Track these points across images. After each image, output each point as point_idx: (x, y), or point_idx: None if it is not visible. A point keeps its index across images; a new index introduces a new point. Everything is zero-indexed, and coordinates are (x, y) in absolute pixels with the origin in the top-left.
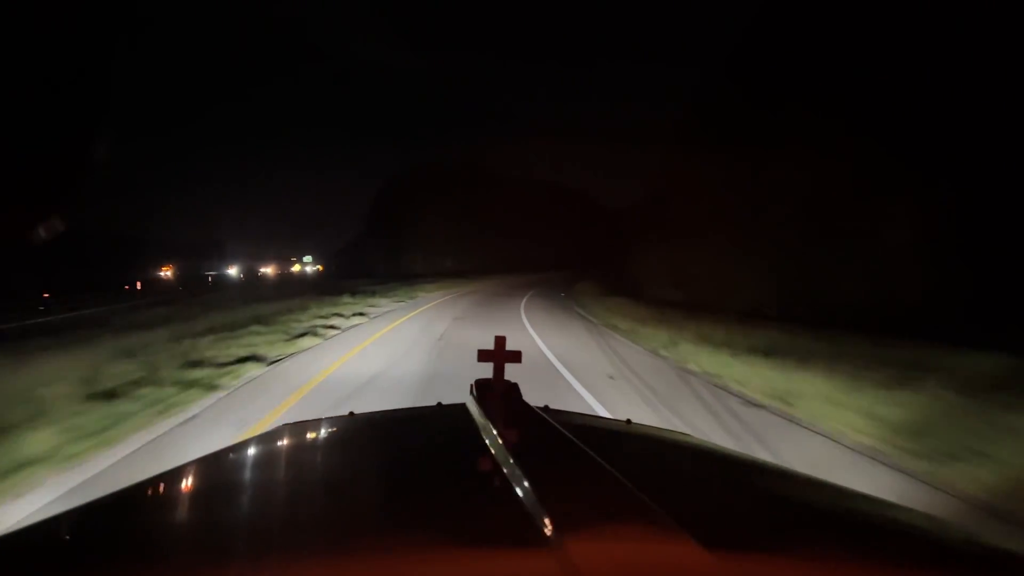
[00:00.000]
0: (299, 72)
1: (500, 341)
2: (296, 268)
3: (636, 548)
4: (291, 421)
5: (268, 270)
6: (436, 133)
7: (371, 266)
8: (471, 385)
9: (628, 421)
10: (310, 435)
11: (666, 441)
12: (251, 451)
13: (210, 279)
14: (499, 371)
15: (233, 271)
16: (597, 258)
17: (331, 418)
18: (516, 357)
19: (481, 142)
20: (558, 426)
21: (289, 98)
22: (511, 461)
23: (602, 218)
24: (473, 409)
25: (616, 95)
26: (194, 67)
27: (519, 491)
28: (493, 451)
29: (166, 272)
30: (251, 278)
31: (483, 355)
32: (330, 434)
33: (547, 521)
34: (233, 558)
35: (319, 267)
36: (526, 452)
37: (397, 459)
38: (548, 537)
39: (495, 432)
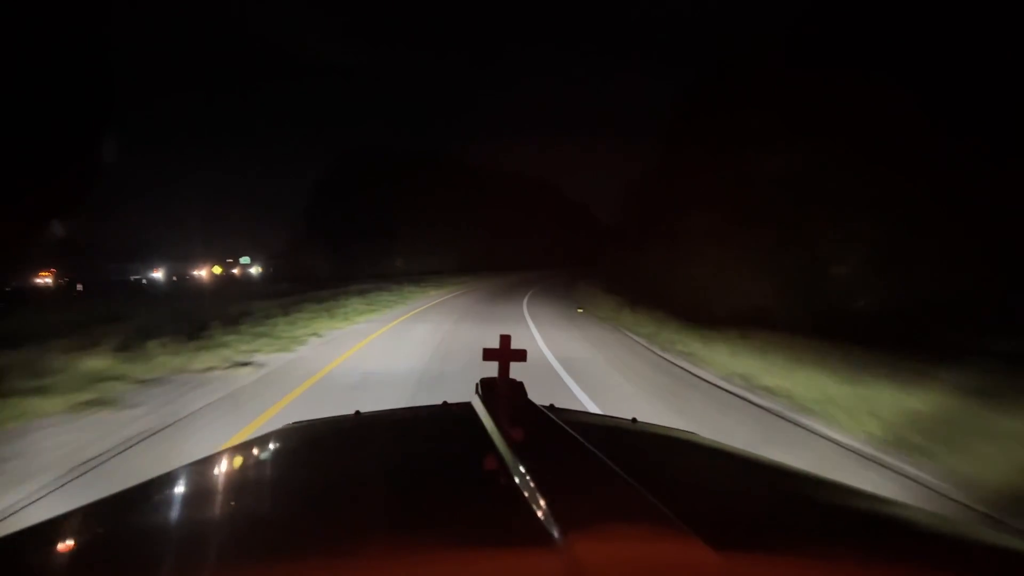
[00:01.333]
0: (243, 67)
1: (505, 340)
2: (217, 270)
3: (643, 548)
4: (296, 420)
5: (201, 272)
6: (399, 125)
7: (312, 268)
8: (476, 384)
9: (634, 420)
10: (316, 434)
11: (673, 440)
12: (256, 450)
13: (80, 288)
14: (504, 370)
15: (159, 274)
16: (581, 257)
17: (337, 417)
18: (521, 356)
19: (452, 135)
20: (564, 425)
21: (230, 92)
22: (517, 460)
23: (580, 213)
24: (479, 408)
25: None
26: (126, 57)
27: (525, 490)
28: (499, 450)
29: (45, 278)
30: (159, 284)
31: (488, 354)
32: (336, 433)
33: (553, 520)
34: (239, 559)
35: (259, 268)
36: (532, 451)
37: (403, 458)
38: (554, 536)
39: (501, 431)
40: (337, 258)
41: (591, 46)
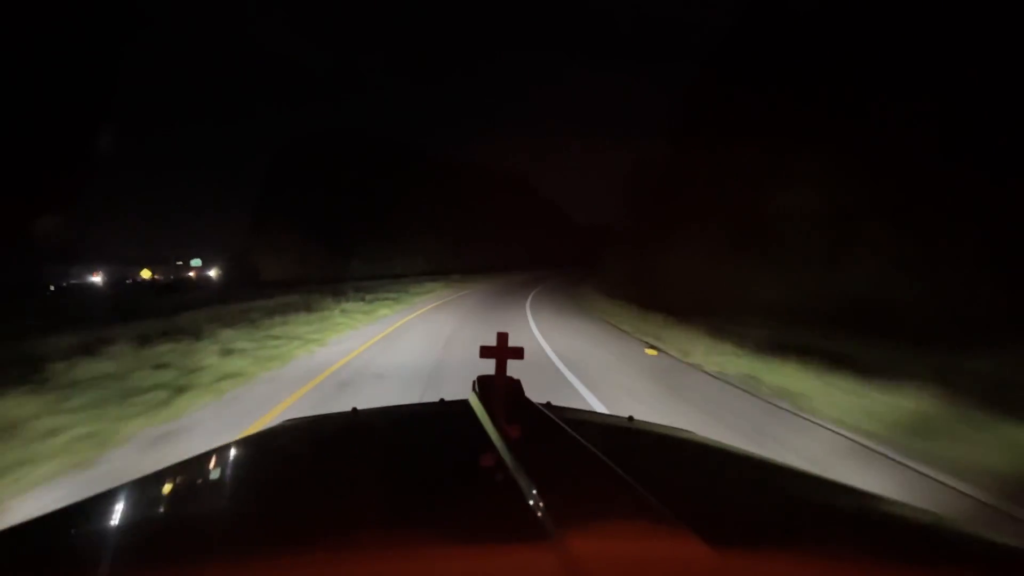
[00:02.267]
0: (202, 63)
1: (503, 337)
2: (146, 274)
3: (638, 545)
4: (294, 417)
5: (145, 276)
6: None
7: (258, 272)
8: (474, 381)
9: (630, 418)
10: (313, 431)
11: (669, 437)
12: (254, 447)
13: None
14: (501, 367)
15: (97, 278)
16: (563, 258)
17: (334, 414)
18: (519, 354)
19: (422, 132)
20: (561, 422)
21: (189, 87)
22: (513, 457)
23: (555, 213)
24: (476, 405)
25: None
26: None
27: (521, 487)
28: (496, 447)
29: None
30: (82, 290)
31: (485, 351)
32: (333, 430)
33: (549, 517)
34: (236, 555)
35: (216, 270)
36: (528, 448)
37: (400, 455)
38: (550, 533)
39: (498, 428)
40: (288, 260)
41: (577, 50)
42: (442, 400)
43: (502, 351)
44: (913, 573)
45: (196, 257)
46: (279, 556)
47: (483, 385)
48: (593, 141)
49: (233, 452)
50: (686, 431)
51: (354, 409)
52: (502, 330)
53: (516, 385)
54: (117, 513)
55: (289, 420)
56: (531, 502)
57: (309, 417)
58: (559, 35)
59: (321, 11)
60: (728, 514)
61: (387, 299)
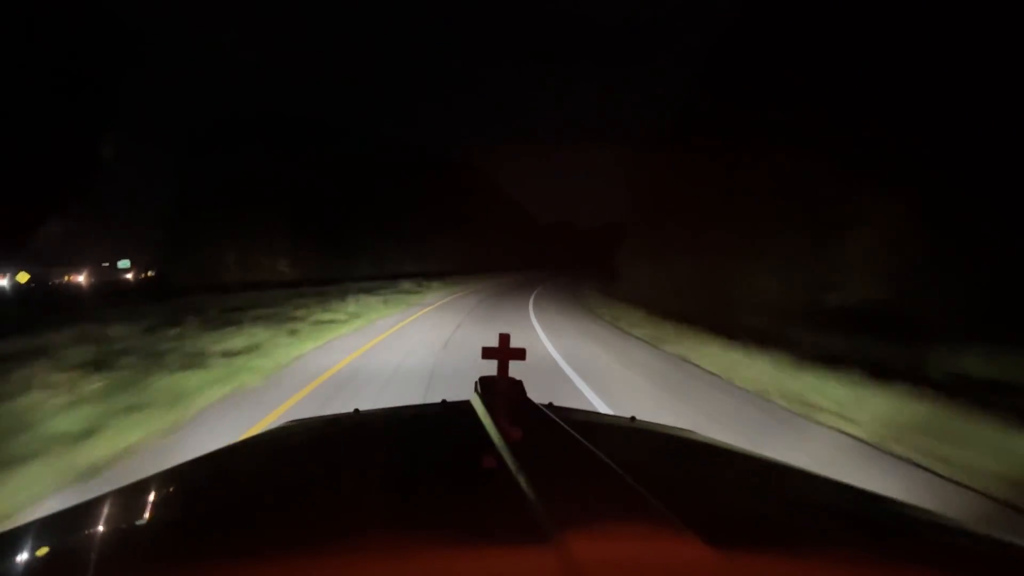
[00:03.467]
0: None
1: (504, 339)
2: (23, 278)
3: (640, 545)
4: (296, 418)
5: (21, 280)
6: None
7: (169, 277)
8: (476, 382)
9: (632, 418)
10: (315, 432)
11: (671, 438)
12: (256, 448)
13: None
14: (503, 368)
15: (3, 282)
16: (534, 261)
17: (336, 415)
18: (520, 355)
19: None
20: (562, 423)
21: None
22: (515, 458)
23: (517, 213)
24: (478, 406)
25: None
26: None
27: (523, 488)
28: (498, 448)
29: None
30: None
31: (487, 352)
32: (335, 431)
33: (550, 518)
34: (238, 555)
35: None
36: (530, 449)
37: (401, 456)
38: (551, 534)
39: (500, 429)
40: (214, 263)
41: (562, 55)
42: (444, 401)
43: (504, 352)
44: (914, 573)
45: (124, 259)
46: (279, 558)
47: (485, 386)
48: (580, 141)
49: (235, 453)
50: (688, 431)
51: (356, 410)
52: None
53: (518, 386)
54: (118, 516)
55: (291, 421)
56: (532, 503)
57: (311, 418)
58: (546, 43)
59: (305, 18)
60: (730, 514)
61: (272, 343)
